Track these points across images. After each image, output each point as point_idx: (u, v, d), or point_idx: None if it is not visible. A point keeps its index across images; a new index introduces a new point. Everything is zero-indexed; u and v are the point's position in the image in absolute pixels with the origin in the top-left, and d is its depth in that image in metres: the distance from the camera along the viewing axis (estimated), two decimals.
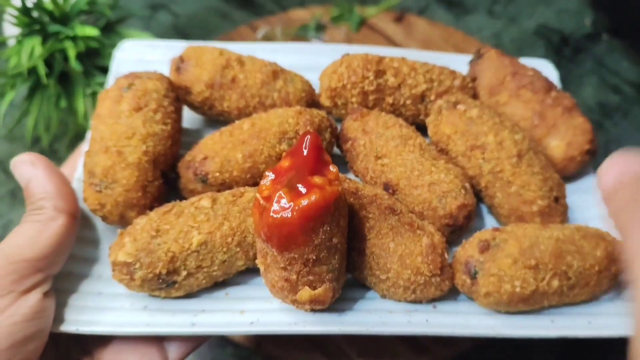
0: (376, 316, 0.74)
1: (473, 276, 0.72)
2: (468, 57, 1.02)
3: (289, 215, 0.59)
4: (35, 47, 1.05)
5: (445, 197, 0.79)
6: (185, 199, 0.79)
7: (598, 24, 1.15)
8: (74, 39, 1.06)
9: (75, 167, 0.87)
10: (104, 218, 0.78)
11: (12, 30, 1.11)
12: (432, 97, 0.93)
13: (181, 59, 0.92)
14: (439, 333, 0.72)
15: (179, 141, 0.86)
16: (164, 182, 0.81)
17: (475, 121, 0.84)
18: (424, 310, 0.75)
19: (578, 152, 0.86)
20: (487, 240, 0.73)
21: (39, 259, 0.69)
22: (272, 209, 0.60)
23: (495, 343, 0.83)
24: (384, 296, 0.76)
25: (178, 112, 0.86)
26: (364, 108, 0.90)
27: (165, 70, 0.96)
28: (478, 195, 0.87)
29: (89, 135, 0.89)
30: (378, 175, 0.84)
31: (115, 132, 0.78)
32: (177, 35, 1.05)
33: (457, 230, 0.81)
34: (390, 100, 0.93)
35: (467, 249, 0.74)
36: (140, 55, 1.03)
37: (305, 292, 0.66)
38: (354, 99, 0.92)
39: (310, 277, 0.65)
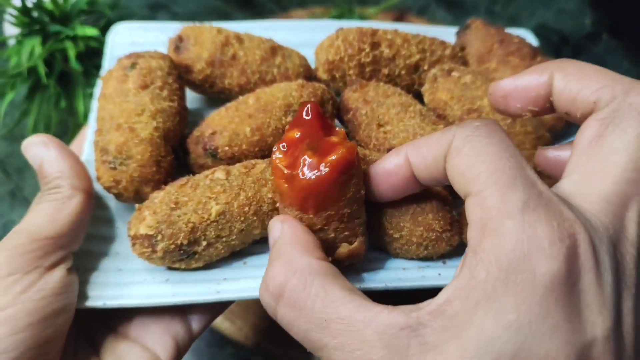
0: (392, 273, 0.77)
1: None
2: (455, 29, 1.07)
3: (323, 173, 0.61)
4: (35, 47, 1.05)
5: None
6: (196, 174, 0.81)
7: (598, 24, 1.18)
8: (74, 39, 1.06)
9: (80, 150, 0.88)
10: (119, 195, 0.79)
11: (12, 30, 1.11)
12: (426, 67, 0.97)
13: (179, 38, 0.93)
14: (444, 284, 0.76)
15: (186, 118, 0.87)
16: (175, 157, 0.83)
17: (470, 86, 0.89)
18: (435, 266, 0.79)
19: None
20: None
21: (60, 236, 0.70)
22: (303, 172, 0.62)
23: None
24: (396, 255, 0.80)
25: (182, 90, 0.87)
26: (362, 79, 0.93)
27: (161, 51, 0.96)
28: None
29: (92, 116, 0.89)
30: (382, 143, 0.87)
31: (125, 110, 0.78)
32: None
33: None
34: (385, 71, 0.96)
35: None
36: (134, 38, 1.03)
37: (343, 248, 0.69)
38: (351, 72, 0.95)
39: (347, 233, 0.68)
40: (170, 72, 0.85)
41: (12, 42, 1.13)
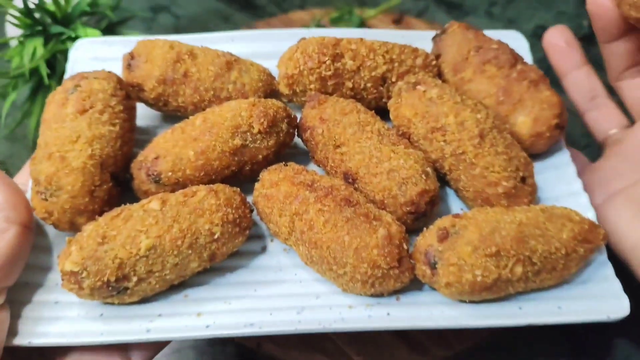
0: (335, 312, 0.71)
1: (433, 266, 0.69)
2: (433, 33, 0.98)
3: None
4: (37, 48, 1.05)
5: (405, 183, 0.76)
6: (141, 200, 0.77)
7: None
8: (75, 40, 1.06)
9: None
10: (55, 226, 0.76)
11: (14, 31, 1.12)
12: (394, 79, 0.89)
13: (131, 55, 0.89)
14: (399, 327, 0.69)
15: (132, 141, 0.83)
16: (116, 184, 0.79)
17: (436, 101, 0.81)
18: (386, 303, 0.73)
19: (546, 127, 0.82)
20: (446, 228, 0.70)
21: None
22: None
23: (497, 342, 0.83)
24: (345, 290, 0.74)
25: (128, 111, 0.83)
26: (321, 94, 0.86)
27: (121, 68, 0.92)
28: (443, 179, 0.83)
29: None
30: (338, 165, 0.81)
31: (59, 137, 0.75)
32: None
33: (420, 217, 0.78)
34: (350, 84, 0.89)
35: (427, 238, 0.71)
36: (96, 53, 1.00)
37: None
38: (312, 86, 0.88)
39: None
40: (114, 94, 0.81)
41: (14, 43, 1.14)
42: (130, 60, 0.89)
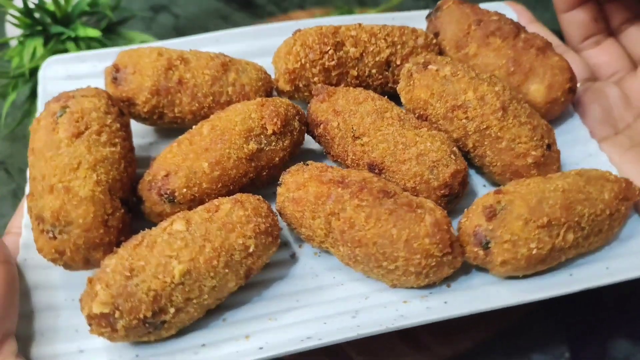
0: (392, 310, 0.68)
1: (485, 247, 0.67)
2: (425, 12, 0.96)
3: None
4: (37, 48, 1.03)
5: (436, 166, 0.73)
6: (155, 224, 0.70)
7: None
8: (75, 40, 1.04)
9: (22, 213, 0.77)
10: (67, 266, 0.68)
11: (14, 31, 1.10)
12: (398, 62, 0.86)
13: (115, 68, 0.81)
14: (460, 313, 0.67)
15: (134, 160, 0.76)
16: (127, 210, 0.71)
17: (451, 79, 0.78)
18: (439, 292, 0.70)
19: (560, 92, 0.82)
20: (492, 205, 0.68)
21: None
22: None
23: (497, 342, 0.83)
24: (394, 286, 0.70)
25: (126, 129, 0.76)
26: (328, 86, 0.82)
27: (100, 84, 0.84)
28: (466, 158, 0.81)
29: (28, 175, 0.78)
30: (360, 157, 0.77)
31: (57, 166, 0.67)
32: (177, 36, 1.03)
33: (453, 199, 0.75)
34: (354, 72, 0.85)
35: (473, 219, 0.69)
36: (68, 71, 0.91)
37: None
38: (315, 79, 0.84)
39: None
40: (108, 111, 0.73)
41: (14, 43, 1.12)
42: (114, 73, 0.81)
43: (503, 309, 0.81)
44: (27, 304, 0.69)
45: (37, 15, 1.04)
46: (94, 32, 1.03)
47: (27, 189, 0.77)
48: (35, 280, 0.71)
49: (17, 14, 1.02)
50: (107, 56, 0.92)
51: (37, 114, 0.84)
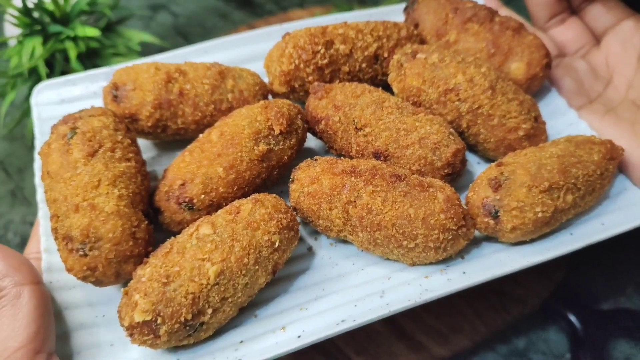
0: (416, 286, 0.72)
1: (495, 216, 0.72)
2: (401, 7, 1.01)
3: None
4: (36, 47, 1.03)
5: (437, 148, 0.78)
6: (175, 233, 0.72)
7: None
8: (74, 39, 1.04)
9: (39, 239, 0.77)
10: (98, 282, 0.69)
11: (13, 31, 1.10)
12: (386, 54, 0.91)
13: (114, 86, 0.82)
14: (481, 280, 0.71)
15: (148, 174, 0.78)
16: (149, 221, 0.73)
17: (439, 65, 0.83)
18: (456, 264, 0.74)
19: (539, 68, 0.88)
20: (497, 177, 0.73)
21: (30, 341, 0.62)
22: None
23: (497, 341, 0.85)
24: (413, 264, 0.74)
25: (135, 144, 0.77)
26: (325, 84, 0.86)
27: (95, 104, 0.85)
28: (460, 137, 0.86)
29: (41, 199, 0.78)
30: (364, 147, 0.81)
31: (78, 186, 0.68)
32: (176, 35, 1.02)
33: (455, 177, 0.80)
34: (346, 68, 0.89)
35: (479, 192, 0.74)
36: (61, 95, 0.91)
37: None
38: (310, 78, 0.87)
39: None
40: (117, 128, 0.74)
41: (12, 42, 1.12)
42: (114, 91, 0.82)
43: (503, 309, 0.86)
44: (59, 325, 0.69)
45: (36, 14, 1.05)
46: (93, 32, 1.03)
47: (40, 214, 0.78)
48: (62, 301, 0.72)
49: (16, 13, 1.03)
50: (98, 77, 0.92)
51: (36, 141, 0.85)
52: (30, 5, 1.02)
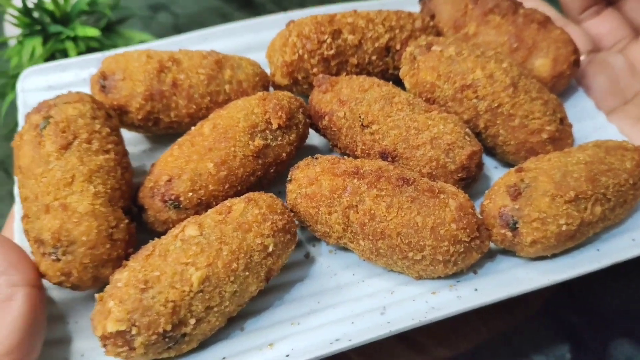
0: (421, 303, 0.65)
1: (513, 227, 0.65)
2: None
3: None
4: (36, 47, 1.02)
5: (451, 149, 0.71)
6: (160, 234, 0.66)
7: None
8: (74, 39, 1.03)
9: (11, 235, 0.71)
10: (74, 287, 0.63)
11: (13, 31, 1.10)
12: (398, 47, 0.84)
13: (102, 75, 0.76)
14: (494, 299, 0.64)
15: (130, 165, 0.71)
16: (130, 219, 0.67)
17: (456, 59, 0.76)
18: (467, 280, 0.67)
19: (566, 65, 0.81)
20: (516, 184, 0.66)
21: (9, 352, 0.55)
22: None
23: (497, 342, 0.82)
24: (420, 277, 0.67)
25: (116, 132, 0.71)
26: (330, 76, 0.79)
27: (87, 92, 0.79)
28: (477, 139, 0.79)
29: (17, 194, 0.72)
30: (370, 146, 0.74)
31: (50, 183, 0.62)
32: (177, 35, 1.01)
33: (470, 182, 0.73)
34: (354, 60, 0.82)
35: (496, 200, 0.66)
36: (49, 81, 0.86)
37: None
38: (314, 69, 0.81)
39: None
40: (94, 116, 0.68)
41: (13, 42, 1.11)
42: (102, 81, 0.76)
43: (504, 310, 0.80)
44: None
45: (36, 14, 1.04)
46: (93, 32, 1.02)
47: (16, 211, 0.72)
48: None
49: (16, 13, 1.02)
50: (90, 63, 0.87)
51: (19, 129, 0.79)
52: (30, 5, 1.01)
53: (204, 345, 0.63)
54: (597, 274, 0.85)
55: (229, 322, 0.64)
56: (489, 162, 0.82)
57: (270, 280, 0.66)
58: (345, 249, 0.72)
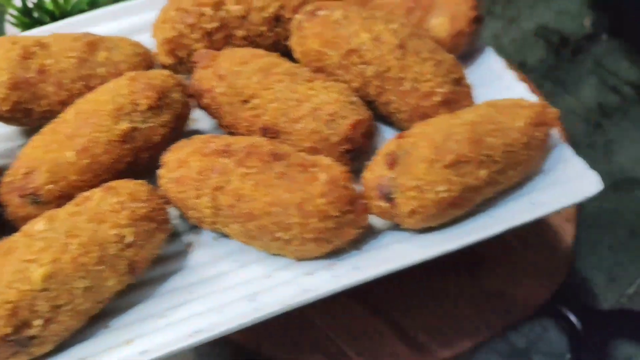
0: (294, 286, 0.60)
1: (389, 198, 0.59)
2: None
3: None
4: None
5: (333, 119, 0.65)
6: None
7: (598, 25, 1.17)
8: None
9: None
10: None
11: (13, 31, 1.05)
12: (288, 15, 0.78)
13: None
14: (371, 276, 0.59)
15: None
16: None
17: (342, 23, 0.70)
18: (349, 257, 0.62)
19: (465, 22, 0.75)
20: (393, 152, 0.60)
21: None
22: None
23: (498, 342, 0.81)
24: (300, 258, 0.62)
25: None
26: (211, 50, 0.74)
27: None
28: (372, 108, 0.73)
29: None
30: (252, 123, 0.69)
31: None
32: None
33: (358, 154, 0.67)
34: (241, 32, 0.77)
35: (374, 170, 0.61)
36: None
37: None
38: (197, 45, 0.75)
39: None
40: None
41: None
42: None
43: (504, 309, 0.79)
44: None
45: (36, 14, 1.00)
46: None
47: None
48: None
49: (16, 13, 0.99)
50: None
51: None
52: (30, 5, 0.98)
53: (63, 346, 0.58)
54: (598, 274, 0.85)
55: (93, 321, 0.60)
56: (388, 133, 0.76)
57: (139, 274, 0.62)
58: (227, 235, 0.67)
